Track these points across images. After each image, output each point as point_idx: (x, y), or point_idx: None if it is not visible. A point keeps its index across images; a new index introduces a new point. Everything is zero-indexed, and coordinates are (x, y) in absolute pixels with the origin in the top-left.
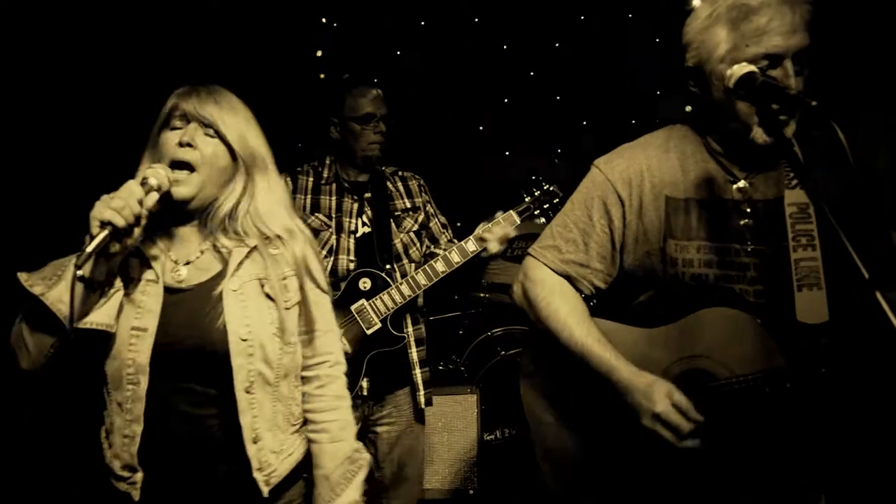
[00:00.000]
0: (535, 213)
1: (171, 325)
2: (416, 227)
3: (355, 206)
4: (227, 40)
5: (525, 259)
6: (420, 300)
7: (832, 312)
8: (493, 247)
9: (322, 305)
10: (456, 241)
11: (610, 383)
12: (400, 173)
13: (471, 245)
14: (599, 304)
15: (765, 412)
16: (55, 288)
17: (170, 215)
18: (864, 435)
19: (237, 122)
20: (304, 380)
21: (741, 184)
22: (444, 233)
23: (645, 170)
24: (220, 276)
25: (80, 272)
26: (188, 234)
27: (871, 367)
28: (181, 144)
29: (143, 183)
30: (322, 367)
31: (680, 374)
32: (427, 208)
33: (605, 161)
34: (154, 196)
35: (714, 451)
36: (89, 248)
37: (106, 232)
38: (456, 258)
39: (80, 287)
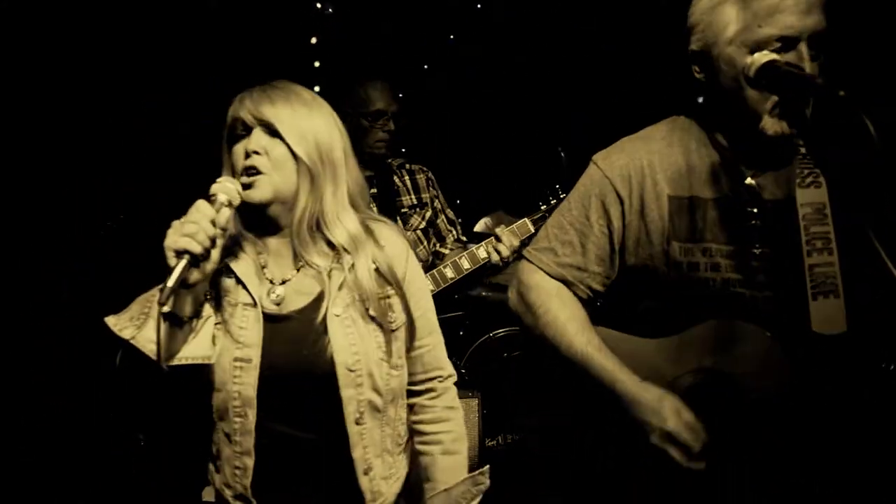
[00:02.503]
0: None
1: (274, 355)
2: (423, 225)
3: None
4: (217, 26)
5: (520, 262)
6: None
7: (850, 322)
8: (504, 253)
9: (424, 317)
10: (464, 238)
11: (613, 395)
12: (407, 166)
13: (482, 252)
14: (599, 311)
15: (775, 428)
16: (144, 328)
17: (259, 226)
18: (881, 451)
19: (297, 118)
20: (413, 393)
21: (749, 181)
22: (451, 230)
23: (646, 166)
24: (320, 299)
25: (165, 308)
26: (280, 247)
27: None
28: (247, 154)
29: (212, 200)
30: (433, 382)
31: (687, 389)
32: (435, 204)
33: (604, 157)
34: (226, 212)
35: (723, 466)
36: (170, 283)
37: (184, 261)
38: (466, 265)
39: (166, 324)
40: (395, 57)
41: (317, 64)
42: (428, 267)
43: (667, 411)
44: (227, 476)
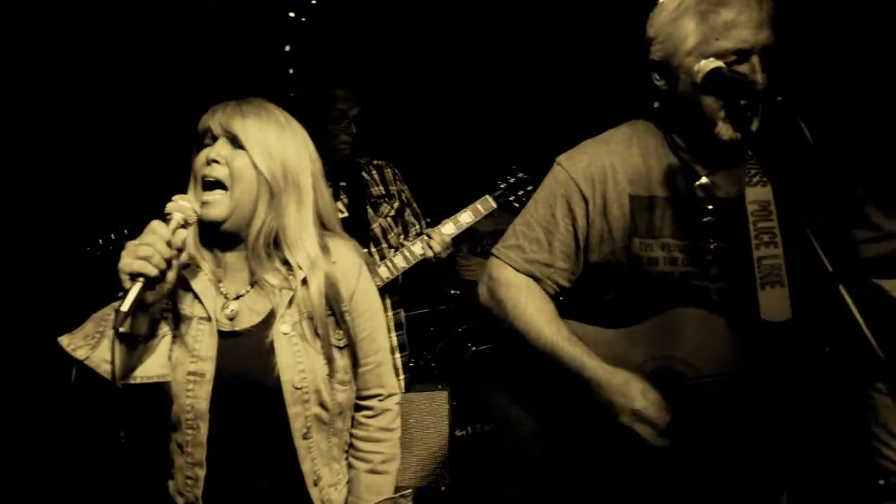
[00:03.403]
0: (511, 199)
1: (227, 371)
2: (392, 213)
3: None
4: (194, 35)
5: (489, 259)
6: (396, 290)
7: (795, 310)
8: (436, 249)
9: (370, 337)
10: (428, 232)
11: (581, 381)
12: (374, 162)
13: (417, 249)
14: (565, 303)
15: (732, 410)
16: (98, 348)
17: (218, 240)
18: (824, 429)
19: (264, 134)
20: (355, 407)
21: (704, 181)
22: (415, 223)
23: (608, 167)
24: (270, 316)
25: (121, 329)
26: (237, 262)
27: (833, 362)
28: (209, 161)
29: (168, 220)
30: (373, 400)
31: (650, 374)
32: (402, 196)
33: (568, 158)
34: (182, 233)
35: (683, 449)
36: (125, 307)
37: (139, 285)
38: (401, 263)
39: (121, 345)
40: (366, 61)
41: (290, 70)
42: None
43: (634, 391)
44: (180, 485)
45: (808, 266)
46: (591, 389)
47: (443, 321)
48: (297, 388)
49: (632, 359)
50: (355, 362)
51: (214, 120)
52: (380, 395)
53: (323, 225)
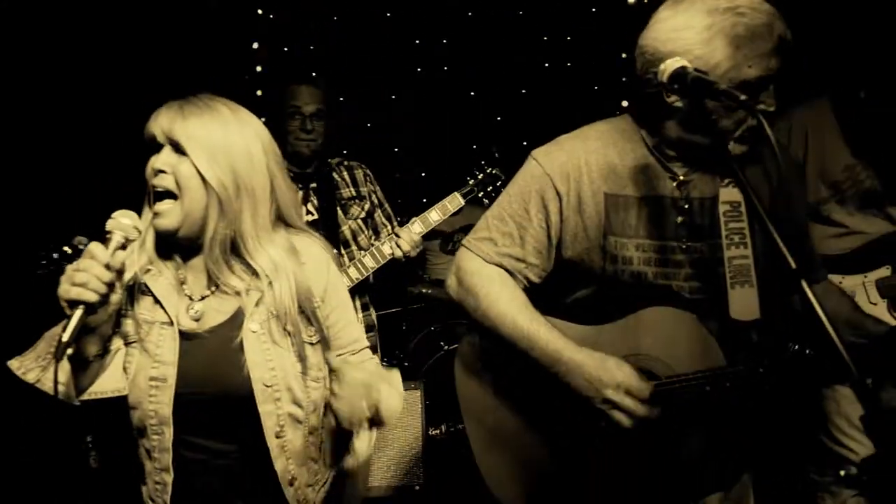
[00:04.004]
0: (479, 195)
1: (191, 373)
2: (363, 215)
3: (300, 194)
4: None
5: (459, 251)
6: (367, 290)
7: (763, 309)
8: (405, 248)
9: (346, 330)
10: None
11: (558, 367)
12: (346, 163)
13: (386, 248)
14: (533, 299)
15: (705, 406)
16: (49, 369)
17: (176, 244)
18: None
19: (208, 137)
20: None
21: (680, 179)
22: (386, 224)
23: (584, 164)
24: (237, 316)
25: (64, 355)
26: (199, 263)
27: (798, 360)
28: (155, 173)
29: (107, 240)
30: (345, 356)
31: None
32: (373, 197)
33: (544, 153)
34: (121, 254)
35: (658, 443)
36: (66, 337)
37: (79, 312)
38: (370, 262)
39: (70, 365)
40: (335, 59)
41: (259, 69)
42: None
43: (612, 366)
44: (150, 490)
45: (774, 265)
46: (570, 373)
47: (414, 320)
48: (268, 386)
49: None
50: (329, 356)
51: (157, 126)
52: (351, 349)
53: (285, 222)
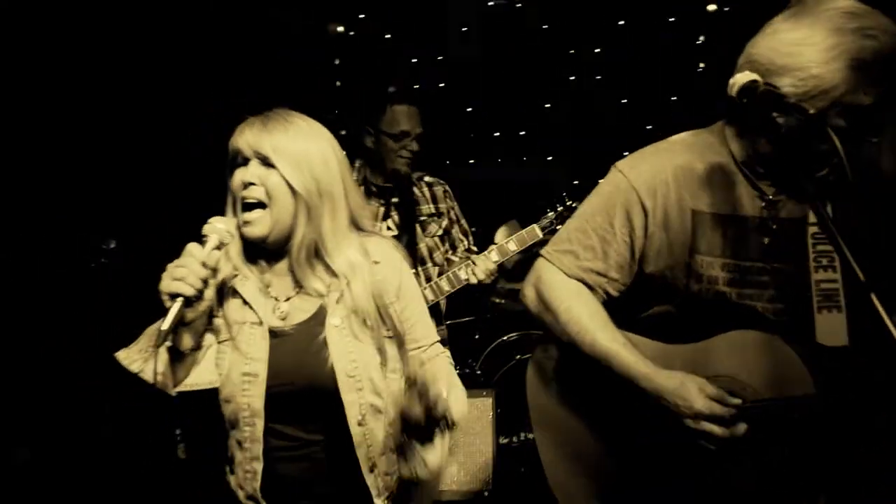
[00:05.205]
0: (557, 227)
1: (280, 367)
2: (440, 232)
3: (381, 209)
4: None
5: (537, 261)
6: (443, 305)
7: (851, 336)
8: (480, 276)
9: (422, 322)
10: (475, 249)
11: (639, 388)
12: (426, 179)
13: (462, 274)
14: (608, 311)
15: (788, 433)
16: (151, 361)
17: (263, 251)
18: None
19: (293, 149)
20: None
21: (769, 199)
22: (463, 240)
23: (671, 178)
24: (320, 313)
25: (164, 345)
26: (283, 268)
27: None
28: (244, 185)
29: (203, 241)
30: (414, 353)
31: None
32: (451, 214)
33: (630, 166)
34: (216, 254)
35: (740, 468)
36: (165, 326)
37: (178, 305)
38: (446, 287)
39: (168, 357)
40: (413, 76)
41: (338, 83)
42: (440, 272)
43: (692, 393)
44: (240, 479)
45: (861, 290)
46: (651, 396)
47: (487, 330)
48: (350, 377)
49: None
50: (404, 349)
51: (243, 141)
52: (421, 345)
53: (357, 226)
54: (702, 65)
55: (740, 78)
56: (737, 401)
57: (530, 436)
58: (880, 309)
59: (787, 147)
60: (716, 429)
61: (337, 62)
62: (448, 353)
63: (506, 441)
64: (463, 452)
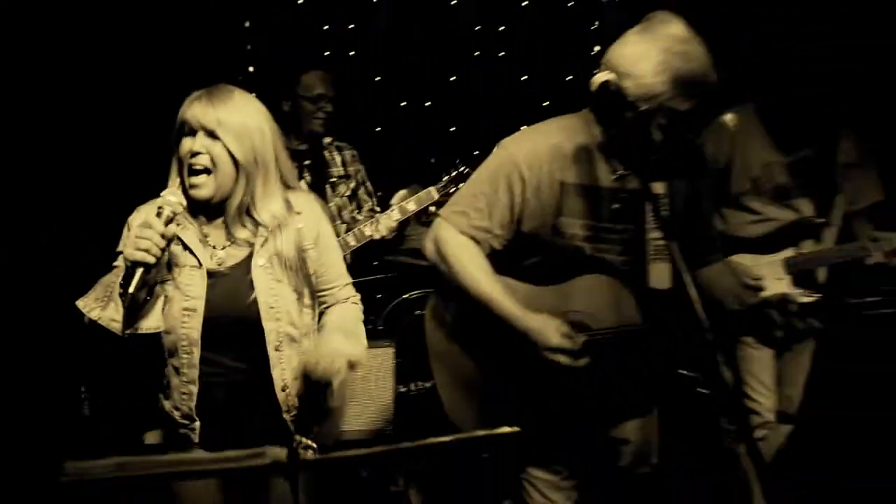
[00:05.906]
0: (451, 190)
1: (215, 303)
2: (348, 192)
3: (295, 171)
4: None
5: (436, 221)
6: (348, 259)
7: (674, 281)
8: (383, 233)
9: (334, 266)
10: (378, 209)
11: (510, 325)
12: (336, 144)
13: (367, 230)
14: (495, 264)
15: (625, 354)
16: (107, 309)
17: (202, 207)
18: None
19: (234, 122)
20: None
21: (619, 173)
22: (368, 200)
23: (545, 155)
24: (249, 258)
25: (126, 301)
26: (219, 222)
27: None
28: (192, 153)
29: (159, 214)
30: (327, 294)
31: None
32: (358, 176)
33: (514, 142)
34: (172, 226)
35: (589, 383)
36: (131, 290)
37: (141, 270)
38: (352, 241)
39: (126, 309)
40: (332, 47)
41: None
42: (347, 229)
43: (549, 331)
44: (176, 401)
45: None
46: (518, 332)
47: (390, 288)
48: (272, 308)
49: (553, 311)
50: (319, 289)
51: (191, 114)
52: (336, 285)
53: (286, 184)
54: (597, 48)
55: (599, 76)
56: (583, 337)
57: (427, 384)
58: (678, 258)
59: (629, 134)
60: (564, 359)
61: (247, 24)
62: (358, 298)
63: (404, 389)
64: (367, 396)
